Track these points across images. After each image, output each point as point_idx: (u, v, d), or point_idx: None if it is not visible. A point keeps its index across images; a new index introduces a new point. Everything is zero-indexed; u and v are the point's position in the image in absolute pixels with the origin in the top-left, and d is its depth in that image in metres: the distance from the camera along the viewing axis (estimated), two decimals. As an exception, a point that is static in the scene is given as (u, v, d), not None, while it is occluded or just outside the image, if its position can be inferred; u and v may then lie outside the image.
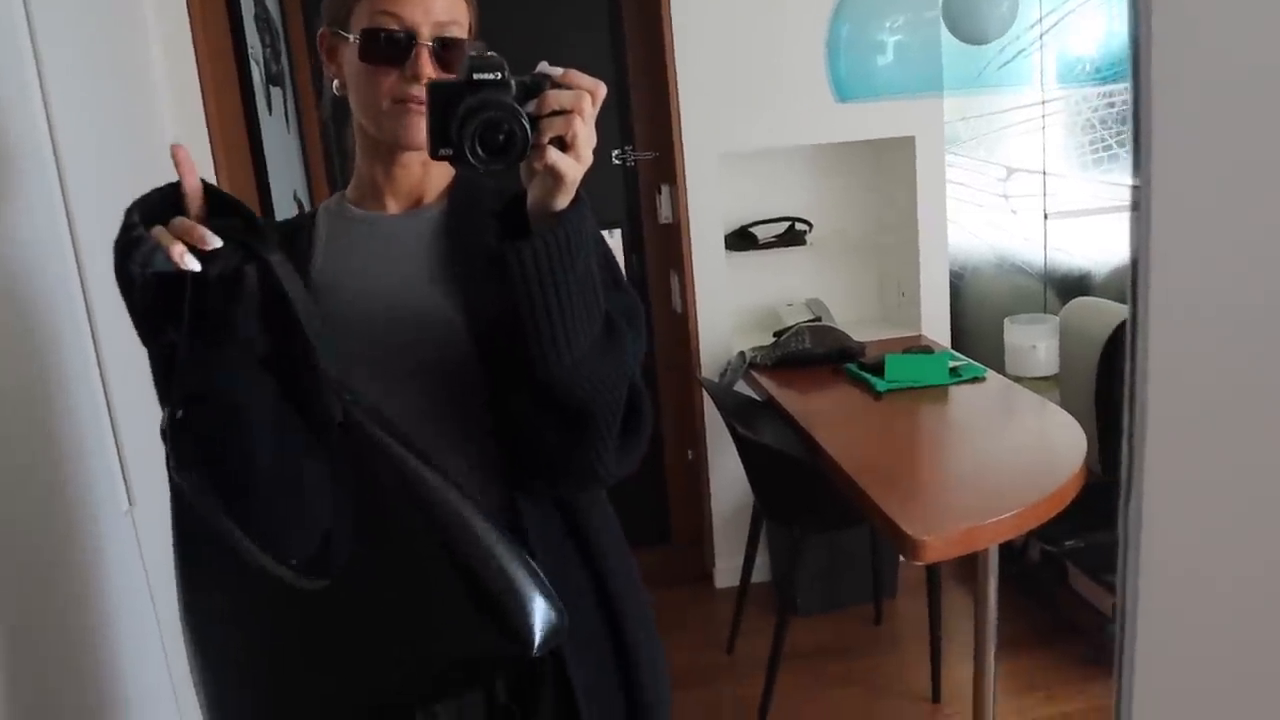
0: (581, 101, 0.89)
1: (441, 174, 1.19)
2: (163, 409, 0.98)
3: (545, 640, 0.94)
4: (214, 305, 0.91)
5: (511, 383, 0.99)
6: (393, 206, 1.17)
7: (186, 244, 0.88)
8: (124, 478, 1.47)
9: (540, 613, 0.94)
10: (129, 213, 0.92)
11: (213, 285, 0.90)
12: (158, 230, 0.89)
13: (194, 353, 0.93)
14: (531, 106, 0.89)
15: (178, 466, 0.96)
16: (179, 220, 0.90)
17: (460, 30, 1.10)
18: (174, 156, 0.93)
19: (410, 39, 1.07)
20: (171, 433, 0.96)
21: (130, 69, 1.38)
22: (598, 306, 0.98)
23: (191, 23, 1.79)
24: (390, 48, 1.07)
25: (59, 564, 1.32)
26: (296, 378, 0.96)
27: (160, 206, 0.93)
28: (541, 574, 0.95)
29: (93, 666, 1.37)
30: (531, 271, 0.91)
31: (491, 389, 1.06)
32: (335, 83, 1.15)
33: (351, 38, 1.09)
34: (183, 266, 0.87)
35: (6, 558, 1.17)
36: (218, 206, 0.94)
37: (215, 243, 0.89)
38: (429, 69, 1.07)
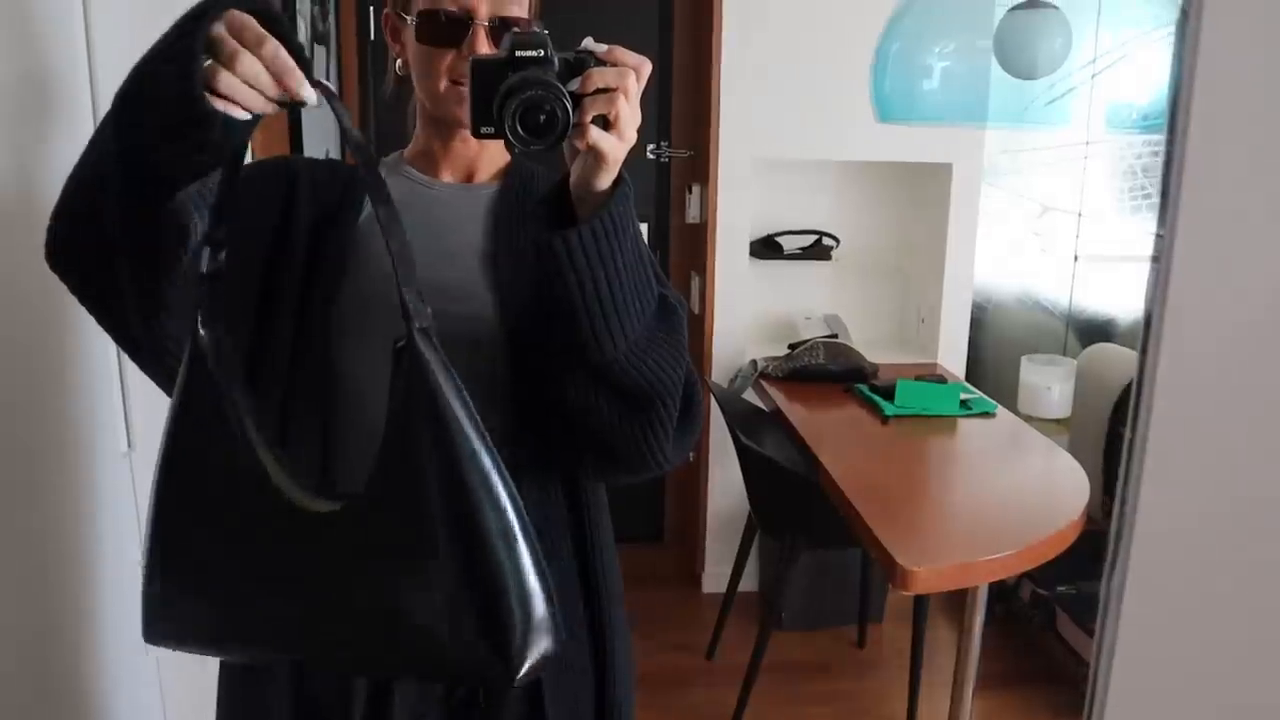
0: (625, 79, 0.87)
1: (496, 152, 1.19)
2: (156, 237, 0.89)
3: (532, 668, 0.86)
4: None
5: (567, 368, 0.97)
6: (446, 177, 1.17)
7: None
8: (126, 419, 1.47)
9: (538, 630, 0.85)
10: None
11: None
12: (229, 84, 0.80)
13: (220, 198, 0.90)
14: (575, 84, 0.87)
15: (209, 318, 0.90)
16: (276, 57, 0.81)
17: (520, 9, 1.09)
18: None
19: (467, 19, 1.06)
20: (211, 277, 0.90)
21: (174, 13, 1.38)
22: (649, 287, 0.96)
23: (242, -27, 1.79)
24: (447, 28, 1.06)
25: (52, 494, 1.32)
26: None
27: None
28: (553, 592, 0.87)
29: (67, 600, 1.38)
30: (580, 259, 0.90)
31: (511, 372, 1.05)
32: (399, 62, 1.14)
33: (410, 19, 1.09)
34: (258, 110, 0.82)
35: (3, 476, 1.17)
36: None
37: (311, 99, 0.83)
38: (485, 48, 1.05)
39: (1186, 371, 0.48)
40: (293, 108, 0.85)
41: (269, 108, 0.83)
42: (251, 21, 0.81)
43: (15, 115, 1.23)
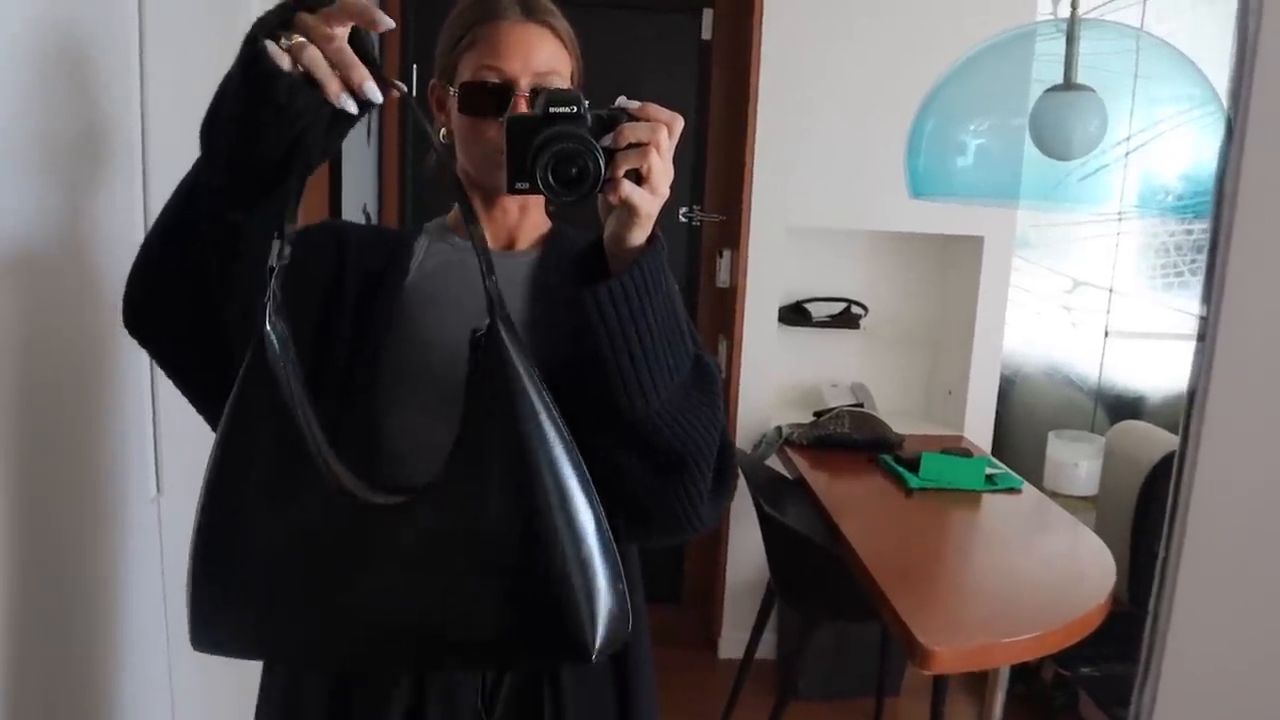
0: (658, 135, 0.89)
1: (537, 220, 1.21)
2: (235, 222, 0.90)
3: (607, 641, 0.88)
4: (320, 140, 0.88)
5: (601, 426, 0.97)
6: (488, 243, 1.20)
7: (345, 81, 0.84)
8: (156, 465, 1.49)
9: (605, 609, 0.87)
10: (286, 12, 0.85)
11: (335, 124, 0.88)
12: (313, 56, 0.83)
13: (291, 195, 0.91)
14: (608, 140, 0.89)
15: (278, 308, 0.90)
16: (342, 50, 0.84)
17: (560, 80, 1.11)
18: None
19: (508, 90, 1.09)
20: (279, 272, 0.90)
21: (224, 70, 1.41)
22: (682, 345, 0.97)
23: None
24: (488, 99, 1.09)
25: (80, 536, 1.33)
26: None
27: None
28: (621, 571, 0.89)
29: (93, 640, 1.38)
30: (610, 313, 0.91)
31: None
32: (444, 131, 1.17)
33: (453, 91, 1.12)
34: (342, 106, 0.85)
35: (33, 518, 1.18)
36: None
37: (376, 97, 0.86)
38: None
39: (1228, 448, 0.48)
40: (364, 107, 0.87)
41: (341, 94, 0.85)
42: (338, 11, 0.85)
43: (70, 168, 1.27)
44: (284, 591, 0.90)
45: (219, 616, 0.91)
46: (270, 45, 0.83)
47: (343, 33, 0.85)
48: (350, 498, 0.88)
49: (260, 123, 0.85)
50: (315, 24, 0.84)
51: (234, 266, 0.92)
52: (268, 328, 0.88)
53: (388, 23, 0.85)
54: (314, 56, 0.83)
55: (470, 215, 0.91)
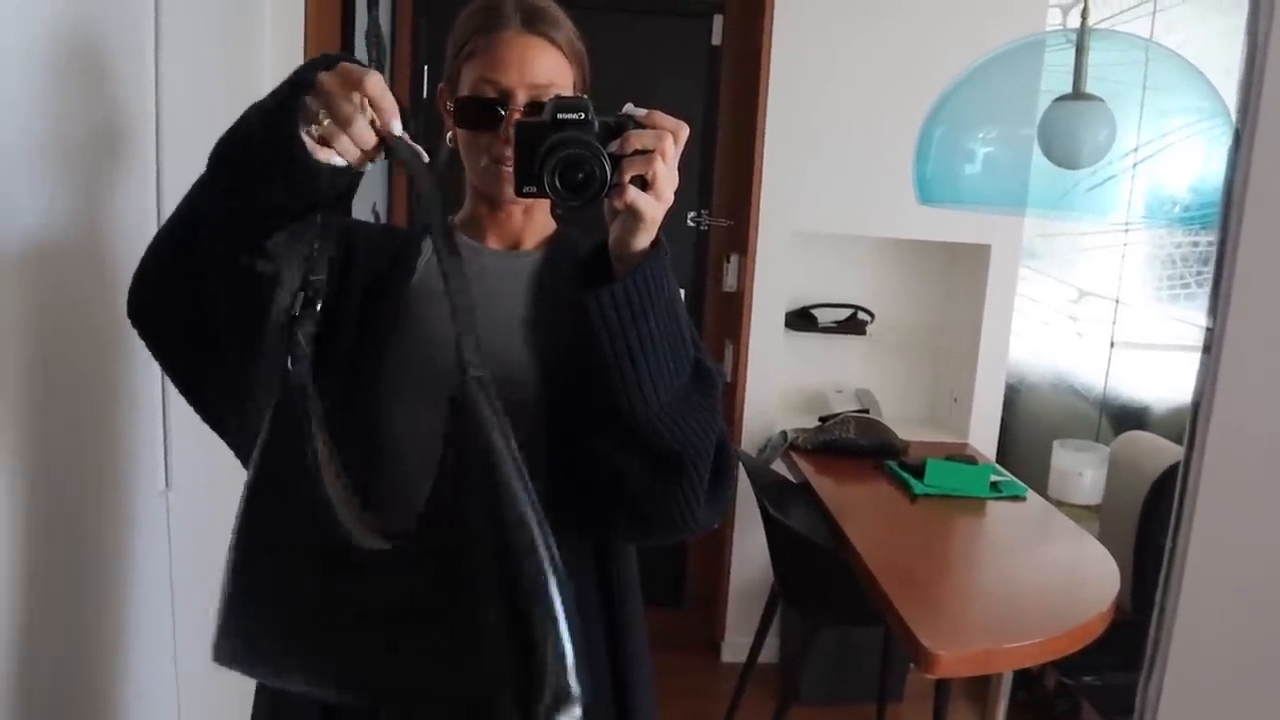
0: (663, 142, 0.90)
1: (541, 222, 1.22)
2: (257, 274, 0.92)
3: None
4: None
5: (601, 429, 0.98)
6: (493, 243, 1.21)
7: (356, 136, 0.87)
8: (165, 460, 1.50)
9: (569, 698, 0.83)
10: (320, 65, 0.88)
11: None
12: (346, 109, 0.86)
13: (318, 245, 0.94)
14: (614, 146, 0.90)
15: (296, 358, 0.92)
16: (353, 119, 0.87)
17: (560, 92, 1.11)
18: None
19: (503, 103, 1.09)
20: (300, 320, 0.93)
21: (241, 71, 1.42)
22: (684, 349, 0.98)
23: (306, 34, 1.85)
24: (484, 113, 1.10)
25: (91, 529, 1.34)
26: None
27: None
28: (574, 652, 0.85)
29: (101, 632, 1.39)
30: (613, 317, 0.92)
31: (549, 438, 1.06)
32: (450, 134, 1.18)
33: (450, 105, 1.14)
34: (356, 167, 0.88)
35: (42, 510, 1.20)
36: None
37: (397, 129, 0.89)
38: None
39: (1232, 459, 0.48)
40: (388, 156, 0.91)
41: (360, 159, 0.89)
42: (354, 70, 0.87)
43: (85, 168, 1.28)
44: (293, 628, 0.92)
45: (239, 638, 0.94)
46: (309, 142, 0.86)
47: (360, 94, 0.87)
48: (356, 547, 0.90)
49: (292, 196, 0.89)
50: (334, 88, 0.86)
51: (228, 278, 0.94)
52: (290, 374, 0.92)
53: (397, 130, 0.89)
54: (330, 131, 0.86)
55: (454, 262, 0.89)
